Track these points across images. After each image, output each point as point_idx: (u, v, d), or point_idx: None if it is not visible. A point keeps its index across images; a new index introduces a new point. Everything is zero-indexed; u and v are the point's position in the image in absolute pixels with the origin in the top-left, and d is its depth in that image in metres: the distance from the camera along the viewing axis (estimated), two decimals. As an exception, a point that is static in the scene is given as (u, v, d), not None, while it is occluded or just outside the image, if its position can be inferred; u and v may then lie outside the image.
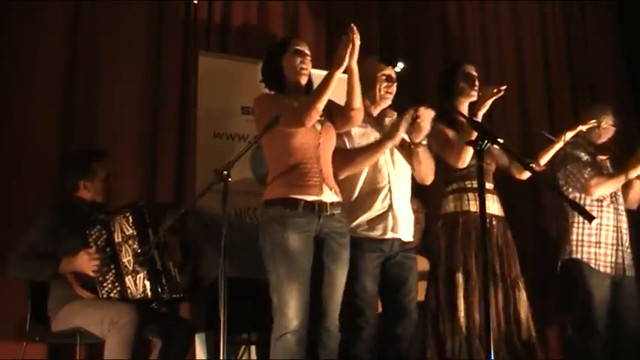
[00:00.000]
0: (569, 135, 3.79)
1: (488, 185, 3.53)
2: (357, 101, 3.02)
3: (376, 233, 3.17)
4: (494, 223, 3.46)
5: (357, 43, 2.86)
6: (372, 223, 3.17)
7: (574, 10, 5.91)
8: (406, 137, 3.27)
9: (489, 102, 3.38)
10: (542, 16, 5.78)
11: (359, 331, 3.07)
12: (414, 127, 3.16)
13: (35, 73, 4.10)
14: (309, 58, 3.14)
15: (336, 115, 3.10)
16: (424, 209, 4.40)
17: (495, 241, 3.44)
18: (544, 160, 3.76)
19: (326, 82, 2.89)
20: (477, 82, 3.57)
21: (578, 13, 5.92)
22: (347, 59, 2.86)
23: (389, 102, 3.36)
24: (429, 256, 3.62)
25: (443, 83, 3.66)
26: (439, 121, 3.42)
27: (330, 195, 2.99)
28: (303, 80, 3.14)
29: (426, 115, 3.13)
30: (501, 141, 2.55)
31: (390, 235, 3.18)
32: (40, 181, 3.94)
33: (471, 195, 3.46)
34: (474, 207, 3.42)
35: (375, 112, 3.36)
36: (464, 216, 3.44)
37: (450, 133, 3.49)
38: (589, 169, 3.97)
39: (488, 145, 2.48)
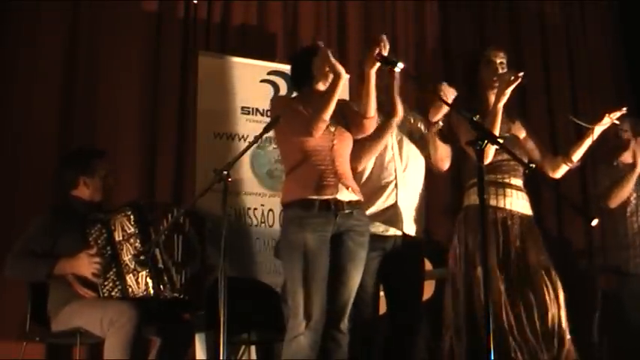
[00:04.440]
0: (598, 129, 3.35)
1: (516, 181, 3.35)
2: (372, 110, 2.95)
3: (378, 229, 3.14)
4: (509, 222, 3.28)
5: (385, 53, 2.82)
6: (375, 219, 3.13)
7: (574, 10, 5.91)
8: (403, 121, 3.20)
9: (508, 91, 3.17)
10: (542, 16, 5.79)
11: (353, 328, 3.02)
12: (433, 104, 3.07)
13: (35, 73, 4.10)
14: None
15: (351, 122, 3.06)
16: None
17: (514, 240, 3.28)
18: (576, 156, 3.38)
19: (330, 92, 2.88)
20: (500, 70, 3.32)
21: (578, 13, 5.91)
22: (339, 67, 2.84)
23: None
24: (428, 255, 3.55)
25: (466, 74, 3.45)
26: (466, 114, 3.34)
27: (347, 194, 2.95)
28: (325, 86, 3.05)
29: (446, 92, 2.99)
30: (501, 141, 2.55)
31: (392, 231, 3.16)
32: (40, 181, 3.93)
33: (493, 189, 3.28)
34: (497, 201, 3.27)
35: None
36: (486, 210, 3.20)
37: None
38: (606, 181, 4.08)
39: (488, 144, 2.47)
